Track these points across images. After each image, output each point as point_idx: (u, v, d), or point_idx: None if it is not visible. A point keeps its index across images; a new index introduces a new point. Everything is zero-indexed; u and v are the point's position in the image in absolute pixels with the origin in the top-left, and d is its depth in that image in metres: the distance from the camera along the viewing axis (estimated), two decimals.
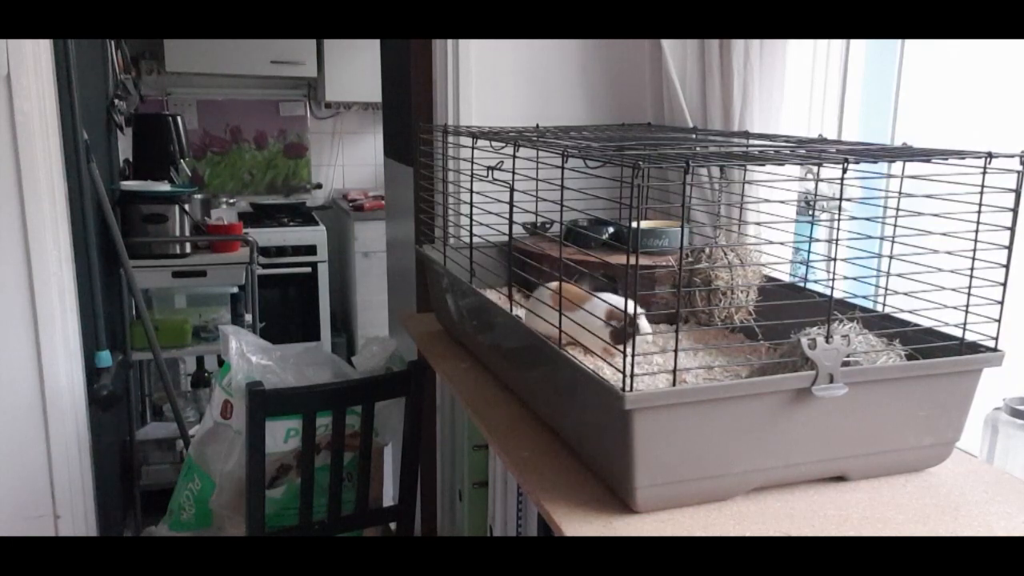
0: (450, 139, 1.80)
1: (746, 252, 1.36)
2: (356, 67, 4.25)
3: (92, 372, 2.18)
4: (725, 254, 1.36)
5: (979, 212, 1.02)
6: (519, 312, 1.35)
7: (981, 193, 1.01)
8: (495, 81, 1.98)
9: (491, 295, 1.46)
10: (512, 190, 1.24)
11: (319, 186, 4.72)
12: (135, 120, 3.51)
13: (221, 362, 1.92)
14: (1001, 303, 1.05)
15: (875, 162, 1.11)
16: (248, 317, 3.03)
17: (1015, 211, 1.02)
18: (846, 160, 1.01)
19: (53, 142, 1.91)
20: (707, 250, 1.38)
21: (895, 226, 1.11)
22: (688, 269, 1.30)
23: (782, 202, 1.37)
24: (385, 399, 1.85)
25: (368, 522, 1.93)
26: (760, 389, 0.99)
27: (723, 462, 1.01)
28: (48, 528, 2.02)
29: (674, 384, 0.98)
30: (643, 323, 1.19)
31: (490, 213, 1.37)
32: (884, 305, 1.19)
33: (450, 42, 1.93)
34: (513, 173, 1.24)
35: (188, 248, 2.94)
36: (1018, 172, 1.01)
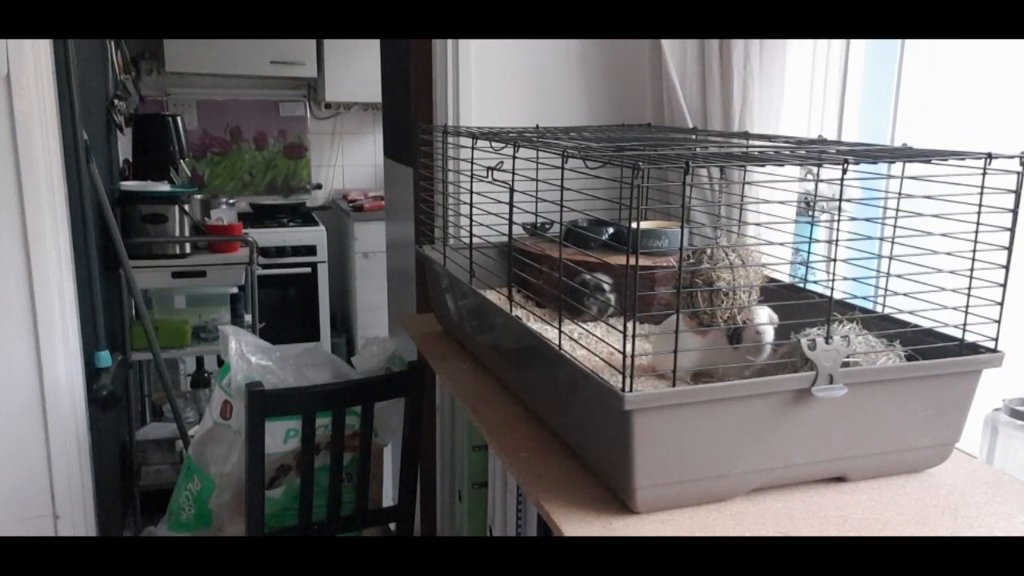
0: (450, 139, 1.80)
1: (747, 253, 1.36)
2: (356, 67, 4.25)
3: (92, 372, 2.19)
4: (726, 255, 1.35)
5: (979, 213, 1.02)
6: (519, 313, 1.34)
7: (981, 194, 1.01)
8: (495, 81, 1.98)
9: (491, 296, 1.46)
10: (512, 190, 1.24)
11: (319, 186, 4.72)
12: (135, 120, 3.52)
13: (221, 362, 1.92)
14: (1001, 304, 1.05)
15: (875, 163, 1.11)
16: (248, 317, 3.03)
17: (1015, 212, 1.02)
18: (846, 161, 1.01)
19: (53, 142, 1.91)
20: (707, 251, 1.38)
21: (895, 227, 1.11)
22: (688, 270, 1.29)
23: (782, 203, 1.37)
24: (385, 399, 1.85)
25: (368, 522, 1.92)
26: (760, 390, 0.99)
27: (723, 463, 1.01)
28: (48, 528, 2.02)
29: (674, 385, 0.98)
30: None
31: (490, 213, 1.37)
32: (884, 306, 1.19)
33: (450, 42, 1.93)
34: (513, 173, 1.24)
35: (188, 248, 2.94)
36: (1018, 173, 1.01)
